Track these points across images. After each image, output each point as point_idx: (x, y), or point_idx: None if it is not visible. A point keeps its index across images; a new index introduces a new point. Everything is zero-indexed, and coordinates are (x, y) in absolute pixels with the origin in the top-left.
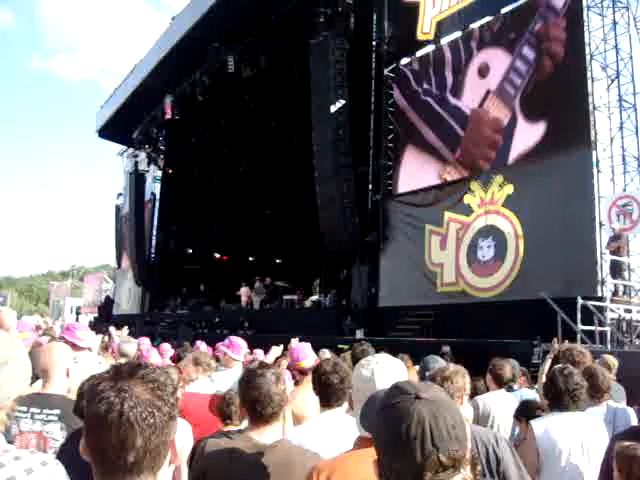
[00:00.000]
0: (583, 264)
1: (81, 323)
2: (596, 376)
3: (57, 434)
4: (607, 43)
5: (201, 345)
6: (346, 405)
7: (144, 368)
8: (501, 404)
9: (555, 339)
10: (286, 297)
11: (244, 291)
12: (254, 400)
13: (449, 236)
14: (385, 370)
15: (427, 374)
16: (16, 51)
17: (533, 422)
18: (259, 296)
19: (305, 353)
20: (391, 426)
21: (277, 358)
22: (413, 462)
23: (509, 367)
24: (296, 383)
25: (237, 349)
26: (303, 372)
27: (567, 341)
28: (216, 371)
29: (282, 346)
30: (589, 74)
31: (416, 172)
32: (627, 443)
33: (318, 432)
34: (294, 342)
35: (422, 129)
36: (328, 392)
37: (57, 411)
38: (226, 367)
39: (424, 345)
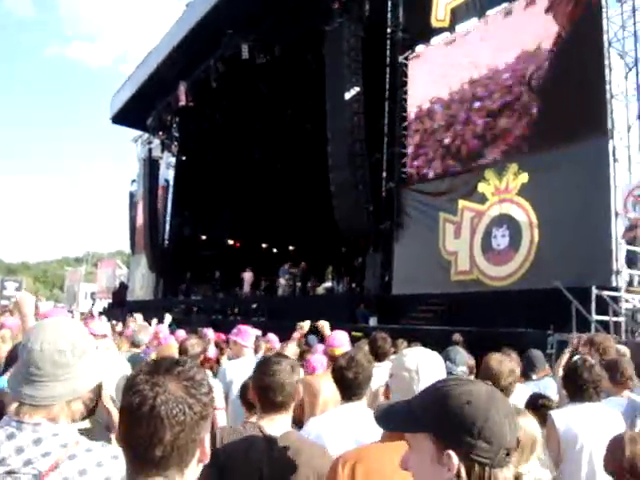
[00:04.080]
0: (598, 254)
1: (95, 315)
2: (620, 366)
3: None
4: (626, 30)
5: (208, 331)
6: (365, 399)
7: (182, 365)
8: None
9: (575, 334)
10: (298, 284)
11: (247, 276)
12: (266, 387)
13: (463, 224)
14: (430, 367)
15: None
16: (35, 38)
17: (553, 413)
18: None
19: (341, 341)
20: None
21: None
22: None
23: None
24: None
25: (246, 336)
26: (334, 359)
27: (594, 332)
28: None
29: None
30: (606, 62)
31: (430, 159)
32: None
33: (336, 423)
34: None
35: (437, 117)
36: (344, 386)
37: None
38: (238, 356)
39: (437, 333)
